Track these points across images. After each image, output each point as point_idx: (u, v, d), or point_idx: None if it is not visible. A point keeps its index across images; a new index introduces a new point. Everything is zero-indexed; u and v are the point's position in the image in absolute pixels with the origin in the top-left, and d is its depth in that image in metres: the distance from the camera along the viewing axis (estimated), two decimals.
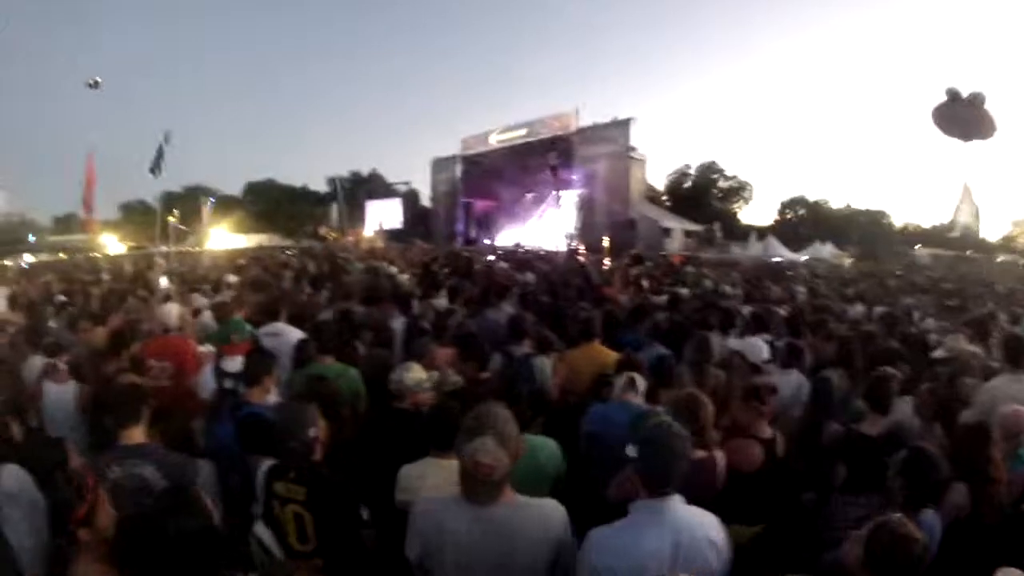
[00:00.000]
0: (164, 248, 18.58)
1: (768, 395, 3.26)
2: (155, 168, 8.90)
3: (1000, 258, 36.39)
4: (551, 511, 2.05)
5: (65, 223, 60.69)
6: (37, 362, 4.36)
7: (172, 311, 4.95)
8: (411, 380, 3.18)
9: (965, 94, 4.40)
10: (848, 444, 3.34)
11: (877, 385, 3.50)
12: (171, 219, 22.20)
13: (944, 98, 4.43)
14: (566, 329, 5.27)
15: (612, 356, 4.22)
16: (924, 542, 1.88)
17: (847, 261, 29.57)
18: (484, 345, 3.88)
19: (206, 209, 24.94)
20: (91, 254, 24.28)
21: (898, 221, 60.45)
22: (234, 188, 72.54)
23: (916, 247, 46.71)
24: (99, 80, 9.59)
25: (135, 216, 48.72)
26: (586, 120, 33.31)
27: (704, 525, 2.03)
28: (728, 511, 2.94)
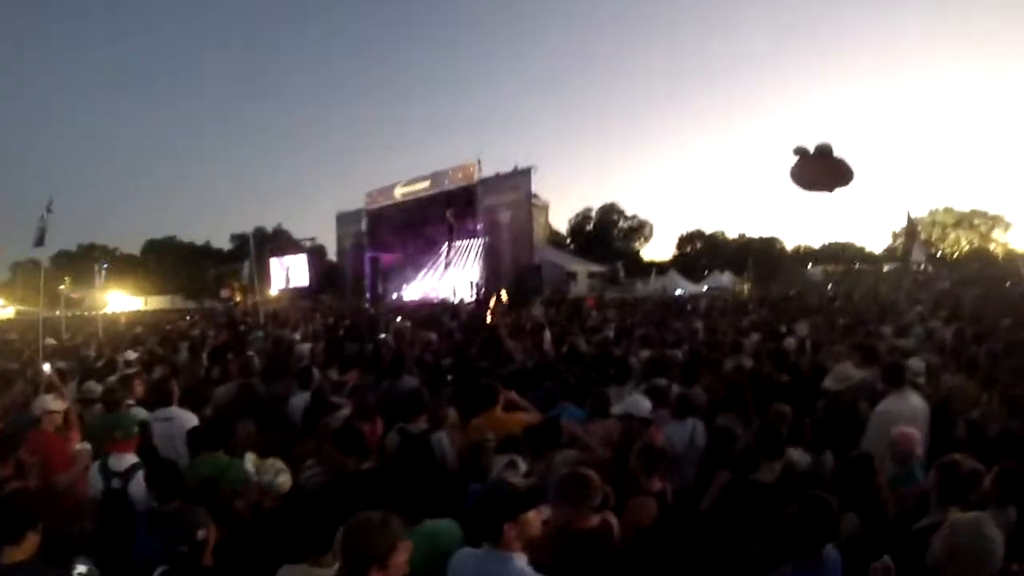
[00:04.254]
0: (55, 313, 17.23)
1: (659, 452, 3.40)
2: (40, 240, 8.45)
3: (886, 267, 37.60)
4: None
5: None
6: None
7: (42, 403, 4.61)
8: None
9: (812, 149, 4.66)
10: (744, 495, 3.41)
11: (765, 431, 3.61)
12: (63, 287, 20.76)
13: (795, 159, 4.68)
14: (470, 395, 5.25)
15: (516, 421, 4.24)
16: None
17: (746, 287, 31.06)
18: (363, 435, 3.73)
19: (100, 274, 23.55)
20: None
21: (790, 244, 65.21)
22: (133, 246, 68.87)
23: (808, 265, 49.87)
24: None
25: (27, 277, 44.92)
26: (488, 170, 33.98)
27: None
28: (636, 566, 3.03)
